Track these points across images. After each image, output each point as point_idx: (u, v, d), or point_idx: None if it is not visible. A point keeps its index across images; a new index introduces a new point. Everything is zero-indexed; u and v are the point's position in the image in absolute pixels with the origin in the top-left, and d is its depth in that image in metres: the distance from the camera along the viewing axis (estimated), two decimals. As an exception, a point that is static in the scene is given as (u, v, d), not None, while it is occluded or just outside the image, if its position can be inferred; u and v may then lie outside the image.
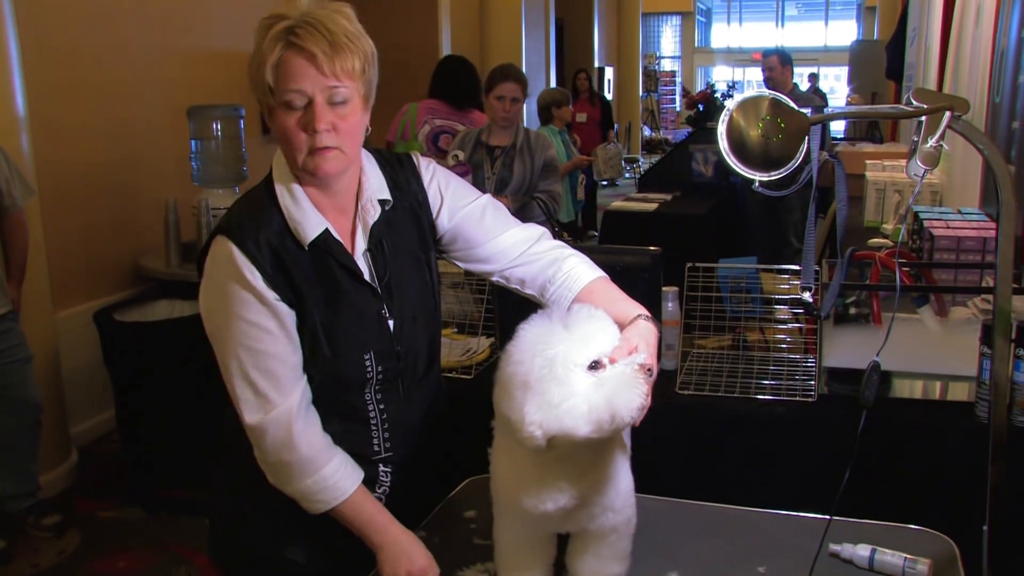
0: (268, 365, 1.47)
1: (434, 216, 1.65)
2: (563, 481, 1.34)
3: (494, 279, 1.68)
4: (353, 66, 1.44)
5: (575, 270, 1.61)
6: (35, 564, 3.40)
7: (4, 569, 3.36)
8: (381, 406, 1.61)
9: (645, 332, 1.42)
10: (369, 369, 1.56)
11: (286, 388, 1.49)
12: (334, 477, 1.52)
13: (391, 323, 1.58)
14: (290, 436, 1.48)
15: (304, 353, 1.51)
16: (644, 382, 1.26)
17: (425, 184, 1.65)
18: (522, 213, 3.87)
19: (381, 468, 1.65)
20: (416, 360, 1.63)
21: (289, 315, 1.49)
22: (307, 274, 1.50)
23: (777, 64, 6.19)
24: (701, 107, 15.22)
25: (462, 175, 3.86)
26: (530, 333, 1.31)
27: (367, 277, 1.55)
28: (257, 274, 1.46)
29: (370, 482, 1.61)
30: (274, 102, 1.44)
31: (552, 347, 1.27)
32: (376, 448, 1.62)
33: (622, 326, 1.43)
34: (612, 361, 1.28)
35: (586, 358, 1.27)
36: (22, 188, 3.47)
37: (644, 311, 1.50)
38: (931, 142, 1.25)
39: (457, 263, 1.70)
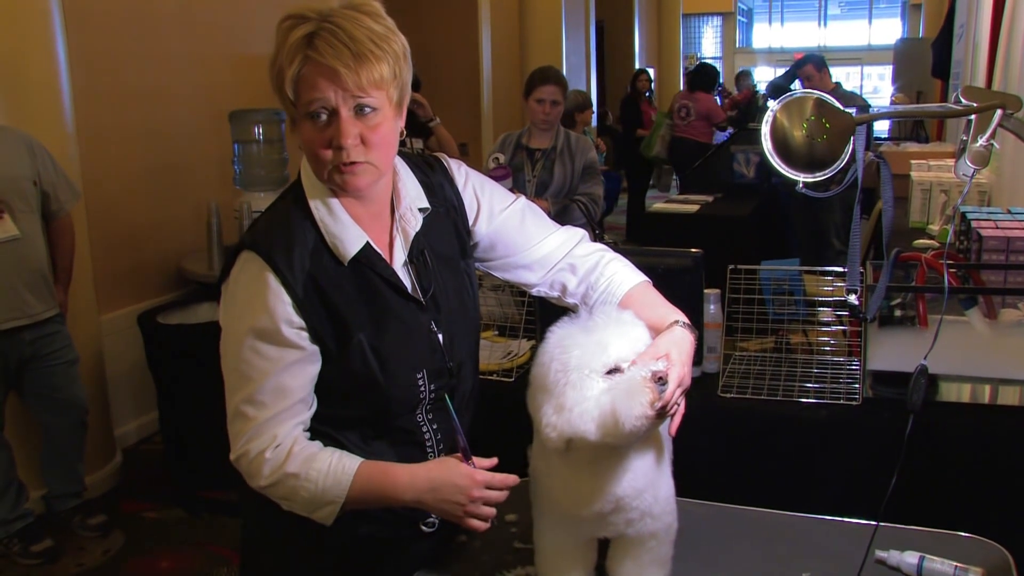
0: (263, 398, 1.39)
1: (471, 222, 1.56)
2: (597, 485, 1.34)
3: (535, 291, 1.60)
4: (381, 75, 1.33)
5: (616, 276, 1.55)
6: (81, 563, 3.45)
7: (52, 567, 3.41)
8: (434, 426, 1.52)
9: (679, 339, 1.39)
10: (422, 389, 1.47)
11: (279, 420, 1.40)
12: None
13: (440, 338, 1.49)
14: (285, 459, 1.40)
15: (351, 382, 1.42)
16: (651, 390, 1.25)
17: (460, 188, 1.56)
18: (562, 216, 3.86)
19: None
20: (466, 375, 1.56)
21: (310, 351, 1.39)
22: (349, 294, 1.40)
23: (813, 72, 6.03)
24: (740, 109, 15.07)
25: (503, 178, 3.87)
26: (553, 337, 1.34)
27: (411, 291, 1.46)
28: (287, 299, 1.36)
29: (422, 512, 1.51)
30: (297, 113, 1.35)
31: (568, 352, 1.30)
32: None
33: (659, 332, 1.41)
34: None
35: (602, 363, 1.29)
36: (69, 192, 3.52)
37: (683, 317, 1.46)
38: (981, 141, 1.23)
39: (496, 273, 1.61)
